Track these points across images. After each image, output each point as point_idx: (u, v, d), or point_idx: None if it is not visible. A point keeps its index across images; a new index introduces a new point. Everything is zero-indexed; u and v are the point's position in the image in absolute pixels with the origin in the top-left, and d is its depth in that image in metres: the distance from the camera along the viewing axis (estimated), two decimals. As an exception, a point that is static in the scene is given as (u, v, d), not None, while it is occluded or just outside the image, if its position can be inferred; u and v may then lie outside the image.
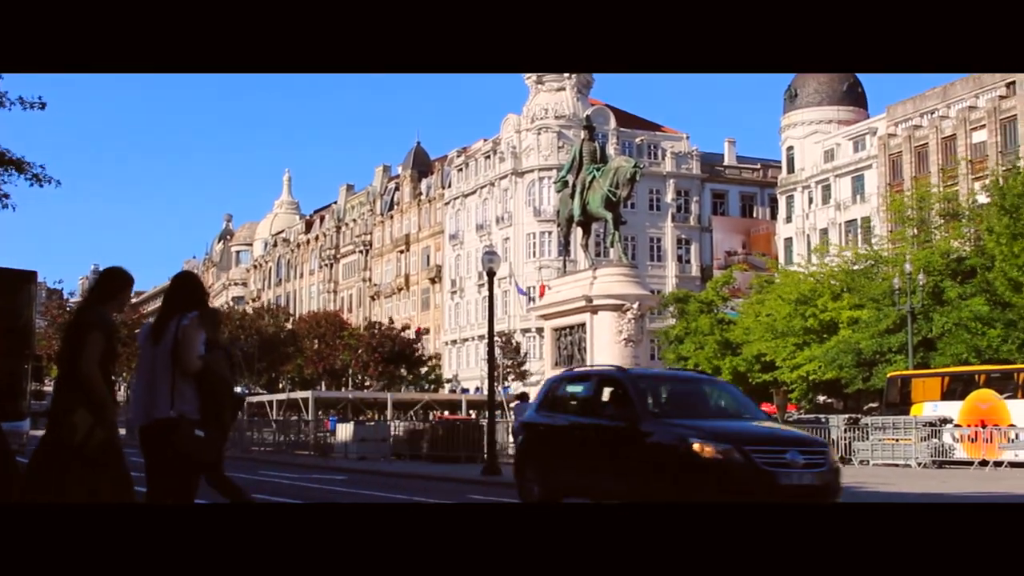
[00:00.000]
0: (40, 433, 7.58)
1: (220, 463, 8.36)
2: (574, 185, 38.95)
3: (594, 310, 36.46)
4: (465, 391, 79.77)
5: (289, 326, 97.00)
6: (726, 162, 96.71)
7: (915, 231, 57.83)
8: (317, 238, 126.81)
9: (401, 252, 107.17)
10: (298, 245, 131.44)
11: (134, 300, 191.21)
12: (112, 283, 7.71)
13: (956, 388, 41.57)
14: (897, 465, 35.83)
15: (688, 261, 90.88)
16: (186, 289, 8.02)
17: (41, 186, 22.70)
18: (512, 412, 36.56)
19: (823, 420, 41.24)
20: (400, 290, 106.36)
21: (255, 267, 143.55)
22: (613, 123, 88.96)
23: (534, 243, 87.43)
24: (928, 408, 40.75)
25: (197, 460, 7.63)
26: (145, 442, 7.73)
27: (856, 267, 59.55)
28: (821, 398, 62.96)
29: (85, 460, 7.03)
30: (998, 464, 33.96)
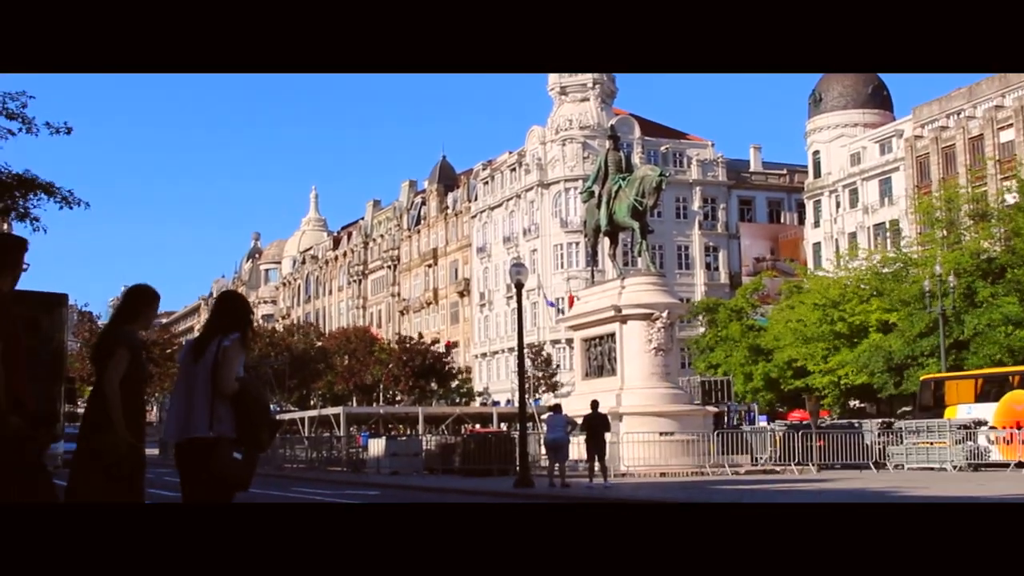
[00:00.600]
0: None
1: (248, 486, 8.34)
2: (600, 195, 38.96)
3: (623, 320, 36.43)
4: (496, 404, 79.69)
5: (319, 343, 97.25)
6: (752, 168, 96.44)
7: (944, 232, 57.49)
8: (345, 254, 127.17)
9: (429, 266, 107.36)
10: (326, 262, 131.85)
11: (165, 321, 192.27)
12: (137, 301, 7.70)
13: (990, 390, 41.24)
14: (932, 469, 35.60)
15: (716, 268, 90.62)
16: (231, 309, 7.94)
17: (71, 208, 22.94)
18: (544, 424, 36.52)
19: (856, 425, 41.00)
20: (429, 304, 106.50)
21: (284, 285, 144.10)
22: (638, 132, 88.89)
23: (561, 254, 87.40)
24: (962, 411, 40.44)
25: (233, 482, 7.56)
26: (181, 460, 7.67)
27: (885, 270, 59.22)
28: (854, 403, 62.62)
29: (111, 476, 7.09)
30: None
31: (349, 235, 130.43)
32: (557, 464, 28.38)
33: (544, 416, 37.29)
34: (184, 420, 7.56)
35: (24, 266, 7.28)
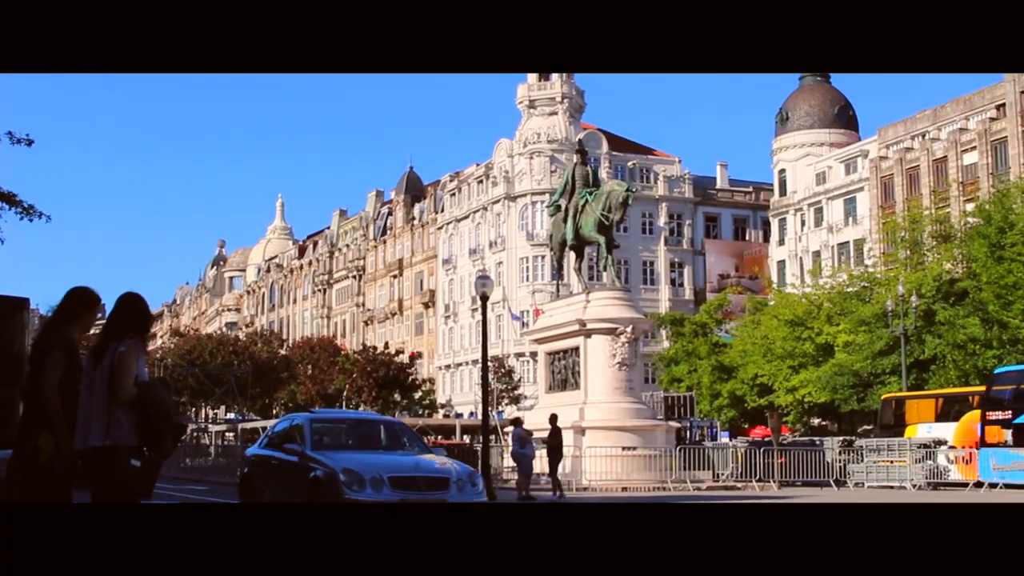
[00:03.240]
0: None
1: (150, 493, 8.14)
2: (567, 209, 39.01)
3: (588, 334, 36.47)
4: (459, 416, 79.52)
5: (283, 352, 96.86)
6: (718, 185, 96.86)
7: (908, 253, 57.92)
8: (310, 263, 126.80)
9: (394, 277, 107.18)
10: (291, 270, 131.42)
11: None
12: (76, 303, 7.61)
13: (950, 409, 41.55)
14: (892, 487, 35.79)
15: (681, 284, 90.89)
16: (128, 313, 7.70)
17: (31, 220, 22.76)
18: (506, 437, 36.49)
19: (817, 443, 41.23)
20: (394, 315, 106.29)
21: (248, 293, 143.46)
22: (605, 147, 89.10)
23: (527, 267, 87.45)
24: (922, 430, 40.71)
25: (132, 490, 7.39)
26: (86, 468, 7.49)
27: (850, 289, 59.59)
28: (816, 420, 62.90)
29: (50, 480, 7.02)
30: (993, 485, 33.91)
31: (315, 244, 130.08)
32: (522, 477, 28.44)
33: (507, 429, 37.28)
34: (84, 430, 7.38)
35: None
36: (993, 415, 35.15)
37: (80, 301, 7.64)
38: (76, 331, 7.57)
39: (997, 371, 40.32)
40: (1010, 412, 35.25)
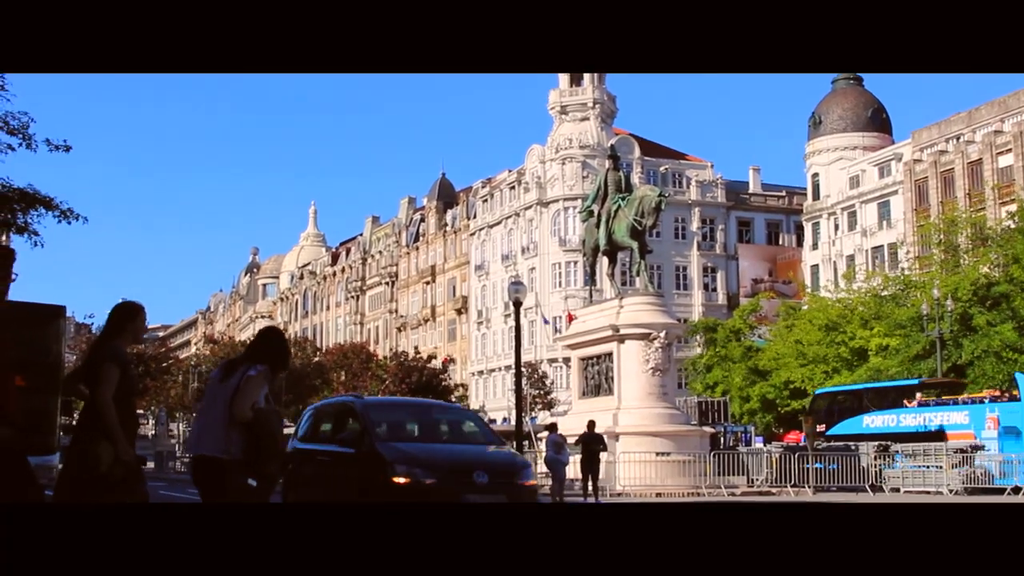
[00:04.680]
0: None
1: None
2: (599, 215, 38.99)
3: (621, 339, 36.40)
4: (492, 422, 79.56)
5: (316, 359, 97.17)
6: (751, 190, 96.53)
7: (943, 256, 57.52)
8: (343, 270, 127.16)
9: (427, 283, 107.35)
10: (324, 277, 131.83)
11: (161, 334, 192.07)
12: (121, 317, 8.05)
13: (987, 414, 41.18)
14: (928, 492, 35.53)
15: (715, 289, 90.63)
16: (268, 345, 8.43)
17: (69, 223, 23.02)
18: (541, 442, 36.46)
19: (853, 447, 40.98)
20: (426, 321, 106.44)
21: (282, 300, 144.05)
22: (637, 152, 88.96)
23: (560, 273, 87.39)
24: (959, 434, 40.39)
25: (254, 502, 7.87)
26: (194, 472, 8.17)
27: (885, 292, 59.22)
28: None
29: (109, 488, 7.33)
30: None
31: (347, 251, 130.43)
32: (556, 483, 28.39)
33: (541, 435, 37.26)
34: (197, 435, 8.19)
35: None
36: (813, 427, 44.23)
37: (126, 315, 8.08)
38: (125, 343, 8.05)
39: (817, 392, 52.86)
40: (824, 425, 47.38)
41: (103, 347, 7.90)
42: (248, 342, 8.38)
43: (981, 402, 41.59)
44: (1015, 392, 40.39)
